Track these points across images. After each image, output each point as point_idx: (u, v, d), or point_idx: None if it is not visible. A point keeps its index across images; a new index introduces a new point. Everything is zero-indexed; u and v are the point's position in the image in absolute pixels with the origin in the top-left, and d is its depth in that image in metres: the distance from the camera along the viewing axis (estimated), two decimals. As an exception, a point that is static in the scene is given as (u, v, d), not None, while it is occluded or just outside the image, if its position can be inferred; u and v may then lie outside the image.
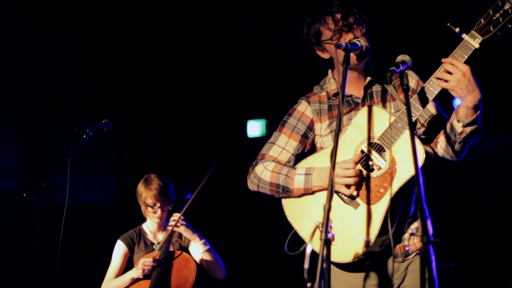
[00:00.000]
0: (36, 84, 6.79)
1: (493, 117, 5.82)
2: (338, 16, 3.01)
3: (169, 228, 4.45)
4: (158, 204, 4.54)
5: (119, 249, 4.60)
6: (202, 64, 7.03)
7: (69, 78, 6.84)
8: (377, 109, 2.96)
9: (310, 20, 3.11)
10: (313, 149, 3.27)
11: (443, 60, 2.81)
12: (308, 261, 2.40)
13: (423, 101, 2.85)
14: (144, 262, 4.34)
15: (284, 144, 3.23)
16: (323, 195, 3.01)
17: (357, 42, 2.94)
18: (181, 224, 4.45)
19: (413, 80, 3.15)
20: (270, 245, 6.91)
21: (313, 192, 3.07)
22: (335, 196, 2.98)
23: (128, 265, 4.58)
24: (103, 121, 4.53)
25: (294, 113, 3.26)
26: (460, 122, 2.83)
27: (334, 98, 3.19)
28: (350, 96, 3.15)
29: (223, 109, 7.35)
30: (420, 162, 2.80)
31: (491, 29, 2.73)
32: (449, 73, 2.76)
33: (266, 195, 3.23)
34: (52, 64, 6.68)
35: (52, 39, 6.42)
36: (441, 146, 2.99)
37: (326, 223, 2.40)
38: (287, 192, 3.11)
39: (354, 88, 3.16)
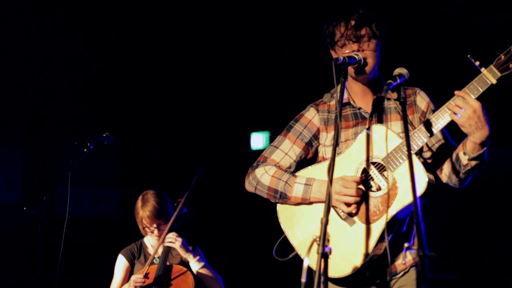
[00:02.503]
0: (41, 98, 6.82)
1: (495, 129, 5.82)
2: (353, 23, 3.00)
3: (165, 244, 4.43)
4: (154, 225, 4.52)
5: (120, 263, 4.59)
6: (206, 77, 7.05)
7: (74, 92, 6.87)
8: (383, 128, 2.94)
9: (331, 19, 3.09)
10: (315, 157, 3.25)
11: (456, 92, 2.80)
12: (305, 275, 2.39)
13: (432, 128, 2.85)
14: (135, 280, 4.31)
15: (287, 150, 3.22)
16: (320, 206, 3.01)
17: (355, 56, 2.93)
18: (177, 241, 4.41)
19: (423, 101, 3.11)
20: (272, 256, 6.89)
21: (310, 203, 3.06)
22: (332, 210, 2.96)
23: (130, 278, 4.57)
24: (104, 135, 4.54)
25: (301, 119, 3.25)
26: (466, 155, 2.85)
27: (342, 108, 3.16)
28: (359, 108, 3.14)
29: (227, 122, 7.36)
30: (420, 191, 2.79)
31: (511, 67, 2.73)
32: (460, 107, 2.76)
33: (271, 202, 3.23)
34: (57, 77, 6.72)
35: (57, 53, 6.46)
36: (445, 173, 2.99)
37: (323, 237, 2.39)
38: (284, 198, 3.11)
39: (363, 101, 3.14)
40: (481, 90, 2.76)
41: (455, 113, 2.77)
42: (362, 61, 2.96)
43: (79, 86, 6.86)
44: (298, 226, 3.08)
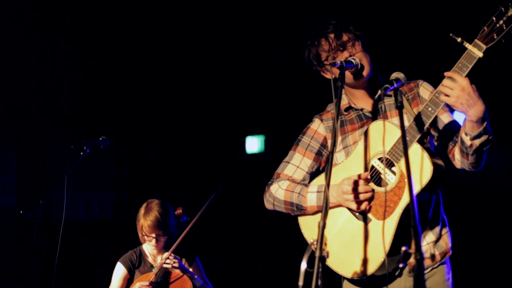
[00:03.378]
0: (35, 100, 6.80)
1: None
2: (332, 36, 3.04)
3: (162, 263, 4.42)
4: (153, 235, 4.51)
5: (119, 271, 4.57)
6: (200, 80, 7.05)
7: (68, 95, 6.86)
8: (387, 124, 2.95)
9: (310, 43, 3.13)
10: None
11: (445, 73, 2.79)
12: (302, 279, 2.40)
13: (433, 109, 2.83)
14: (140, 286, 4.33)
15: (298, 163, 3.26)
16: (337, 211, 3.03)
17: (352, 60, 2.96)
18: (173, 263, 4.41)
19: (427, 91, 3.11)
20: (267, 262, 6.90)
21: None
22: (347, 212, 2.99)
23: (127, 287, 4.57)
24: (100, 138, 4.54)
25: (307, 132, 3.30)
26: (468, 136, 2.80)
27: (346, 113, 3.20)
28: (362, 110, 3.16)
29: (221, 125, 7.35)
30: (426, 178, 2.79)
31: (495, 37, 2.70)
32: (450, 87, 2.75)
33: (270, 211, 3.25)
34: (51, 80, 6.71)
35: (51, 56, 6.45)
36: (457, 158, 2.95)
37: (320, 240, 2.41)
38: (301, 210, 3.13)
39: (365, 102, 3.17)
40: (470, 66, 2.73)
41: (446, 95, 2.77)
42: (359, 65, 2.99)
43: (75, 89, 6.84)
44: None
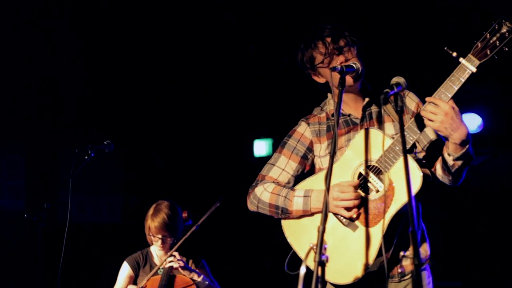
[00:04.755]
0: (43, 106, 6.85)
1: (496, 138, 5.82)
2: (329, 40, 3.05)
3: (167, 264, 4.44)
4: (160, 236, 4.53)
5: (124, 270, 4.61)
6: (208, 84, 7.07)
7: (76, 99, 6.90)
8: (374, 131, 2.96)
9: (304, 46, 3.15)
10: (312, 170, 3.29)
11: (426, 99, 2.82)
12: (301, 283, 2.40)
13: (421, 125, 2.86)
14: None
15: (284, 166, 3.26)
16: None
17: (353, 65, 2.96)
18: (178, 263, 4.42)
19: (413, 102, 3.15)
20: (274, 264, 6.89)
21: (312, 214, 3.08)
22: (334, 218, 2.99)
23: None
24: (105, 142, 4.56)
25: (294, 135, 3.30)
26: (450, 156, 2.85)
27: (333, 118, 3.20)
28: (349, 115, 3.17)
29: (229, 129, 7.36)
30: (416, 188, 2.81)
31: (488, 53, 2.73)
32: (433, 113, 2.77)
33: (267, 215, 3.25)
34: (59, 84, 6.75)
35: (59, 59, 6.48)
36: (438, 173, 2.99)
37: (320, 245, 2.41)
38: (286, 213, 3.13)
39: (353, 108, 3.18)
40: (463, 80, 2.76)
41: (430, 120, 2.79)
42: (360, 69, 2.99)
43: (81, 93, 6.88)
44: (304, 237, 3.10)
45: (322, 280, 2.41)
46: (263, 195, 3.20)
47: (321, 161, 3.20)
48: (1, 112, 6.57)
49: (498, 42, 2.72)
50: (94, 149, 4.44)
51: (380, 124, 3.09)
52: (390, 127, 3.09)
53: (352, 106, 3.18)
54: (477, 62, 2.75)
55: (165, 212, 4.51)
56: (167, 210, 4.54)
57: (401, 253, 3.03)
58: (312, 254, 2.46)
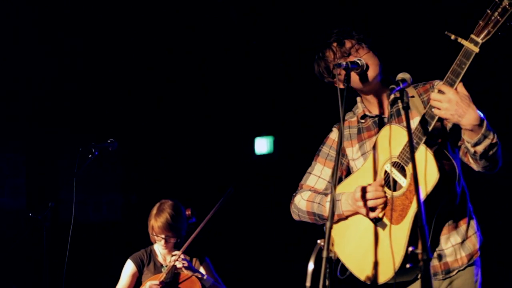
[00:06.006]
0: (44, 104, 6.84)
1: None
2: (335, 44, 3.06)
3: (170, 264, 4.44)
4: (163, 236, 4.53)
5: (128, 268, 4.60)
6: (209, 82, 7.07)
7: (77, 97, 6.89)
8: (395, 127, 2.92)
9: (317, 57, 3.16)
10: (349, 174, 3.29)
11: (435, 87, 2.78)
12: (310, 279, 2.41)
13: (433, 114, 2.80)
14: (150, 285, 4.35)
15: (319, 173, 3.30)
16: (357, 218, 3.03)
17: (358, 61, 2.96)
18: (182, 263, 4.42)
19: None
20: (277, 262, 6.90)
21: (346, 217, 3.08)
22: (366, 219, 2.97)
23: (136, 285, 4.58)
24: (109, 141, 4.55)
25: (327, 142, 3.34)
26: (468, 143, 2.78)
27: (363, 121, 3.21)
28: (376, 116, 3.16)
29: (230, 126, 7.36)
30: (433, 181, 2.74)
31: (491, 30, 2.64)
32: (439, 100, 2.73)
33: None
34: (60, 83, 6.74)
35: (60, 59, 6.48)
36: (471, 162, 2.91)
37: (327, 241, 2.42)
38: (323, 219, 3.17)
39: (380, 107, 3.17)
40: (468, 62, 2.68)
41: (437, 108, 2.74)
42: (365, 66, 2.99)
43: (83, 92, 6.88)
44: (343, 240, 3.09)
45: (330, 276, 2.42)
46: (300, 203, 3.24)
47: (355, 164, 3.21)
48: (1, 112, 6.56)
49: (499, 16, 2.62)
50: (98, 148, 4.43)
51: (410, 119, 3.04)
52: (414, 122, 2.96)
53: (379, 106, 3.16)
54: (480, 42, 2.65)
55: (169, 212, 4.49)
56: (171, 210, 4.52)
57: (409, 249, 3.01)
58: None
